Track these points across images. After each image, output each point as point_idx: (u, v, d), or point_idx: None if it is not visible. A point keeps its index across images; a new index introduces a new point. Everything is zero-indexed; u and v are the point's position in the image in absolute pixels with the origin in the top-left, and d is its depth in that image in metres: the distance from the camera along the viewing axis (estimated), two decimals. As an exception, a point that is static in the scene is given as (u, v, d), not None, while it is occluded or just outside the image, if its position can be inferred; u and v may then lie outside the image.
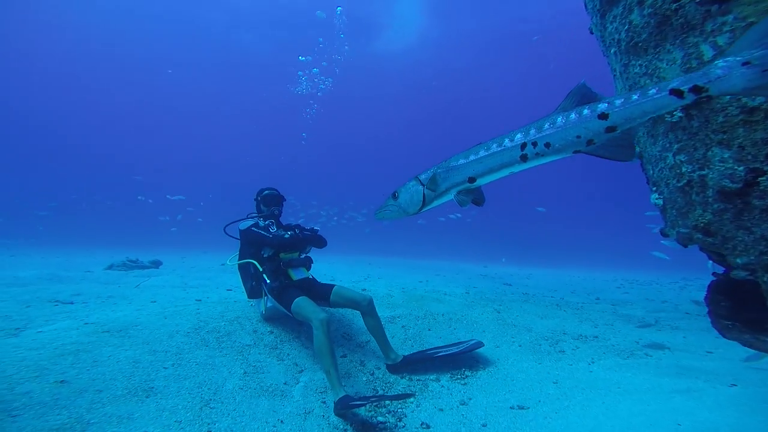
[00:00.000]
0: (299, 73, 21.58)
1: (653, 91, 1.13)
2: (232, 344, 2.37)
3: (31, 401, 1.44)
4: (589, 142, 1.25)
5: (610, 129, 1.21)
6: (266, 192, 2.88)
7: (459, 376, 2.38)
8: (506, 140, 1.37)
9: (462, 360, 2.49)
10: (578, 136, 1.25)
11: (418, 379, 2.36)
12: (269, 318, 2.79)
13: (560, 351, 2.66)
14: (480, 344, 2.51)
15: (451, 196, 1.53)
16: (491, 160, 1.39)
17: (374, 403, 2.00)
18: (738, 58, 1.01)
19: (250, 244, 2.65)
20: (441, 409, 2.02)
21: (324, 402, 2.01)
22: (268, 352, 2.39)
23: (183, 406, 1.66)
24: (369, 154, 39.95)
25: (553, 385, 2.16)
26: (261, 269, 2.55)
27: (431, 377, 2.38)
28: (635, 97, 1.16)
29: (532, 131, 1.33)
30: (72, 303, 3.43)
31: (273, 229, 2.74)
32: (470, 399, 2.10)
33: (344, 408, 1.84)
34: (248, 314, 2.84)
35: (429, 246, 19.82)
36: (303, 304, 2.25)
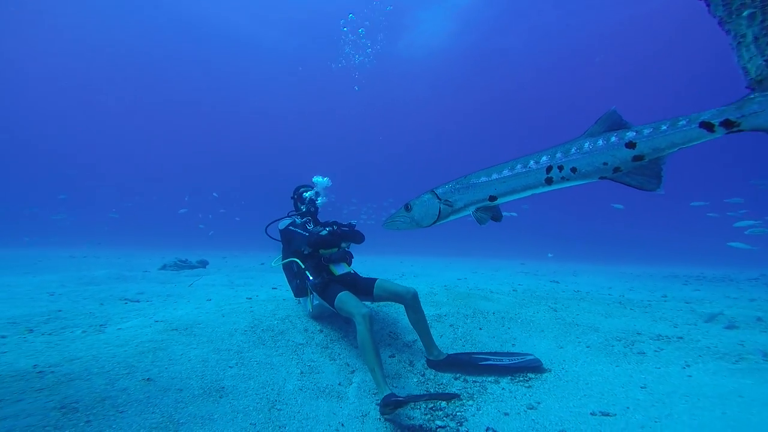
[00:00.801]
0: (344, 29, 21.60)
1: (683, 122, 1.13)
2: (287, 343, 2.40)
3: (129, 398, 1.52)
4: (616, 169, 1.24)
5: (638, 158, 1.20)
6: (302, 189, 2.93)
7: (521, 378, 2.22)
8: (531, 162, 1.35)
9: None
10: (605, 163, 1.24)
11: (475, 381, 2.23)
12: (317, 316, 2.81)
13: (639, 353, 2.38)
14: (539, 362, 2.29)
15: (468, 212, 1.52)
16: (515, 181, 1.38)
17: (419, 402, 1.91)
18: None
19: (289, 242, 2.69)
20: (506, 414, 1.88)
21: (378, 404, 1.97)
22: (320, 352, 2.40)
23: (253, 407, 1.69)
24: (410, 154, 39.97)
25: (642, 390, 1.92)
26: (303, 266, 2.57)
27: (489, 379, 2.25)
28: (664, 127, 1.17)
29: (559, 155, 1.31)
30: (138, 301, 3.73)
31: (310, 227, 2.75)
32: (539, 403, 1.94)
33: (387, 406, 1.75)
34: (297, 312, 2.88)
35: (456, 243, 19.36)
36: (345, 299, 2.23)
